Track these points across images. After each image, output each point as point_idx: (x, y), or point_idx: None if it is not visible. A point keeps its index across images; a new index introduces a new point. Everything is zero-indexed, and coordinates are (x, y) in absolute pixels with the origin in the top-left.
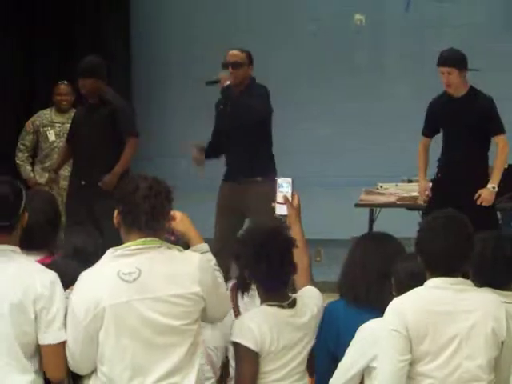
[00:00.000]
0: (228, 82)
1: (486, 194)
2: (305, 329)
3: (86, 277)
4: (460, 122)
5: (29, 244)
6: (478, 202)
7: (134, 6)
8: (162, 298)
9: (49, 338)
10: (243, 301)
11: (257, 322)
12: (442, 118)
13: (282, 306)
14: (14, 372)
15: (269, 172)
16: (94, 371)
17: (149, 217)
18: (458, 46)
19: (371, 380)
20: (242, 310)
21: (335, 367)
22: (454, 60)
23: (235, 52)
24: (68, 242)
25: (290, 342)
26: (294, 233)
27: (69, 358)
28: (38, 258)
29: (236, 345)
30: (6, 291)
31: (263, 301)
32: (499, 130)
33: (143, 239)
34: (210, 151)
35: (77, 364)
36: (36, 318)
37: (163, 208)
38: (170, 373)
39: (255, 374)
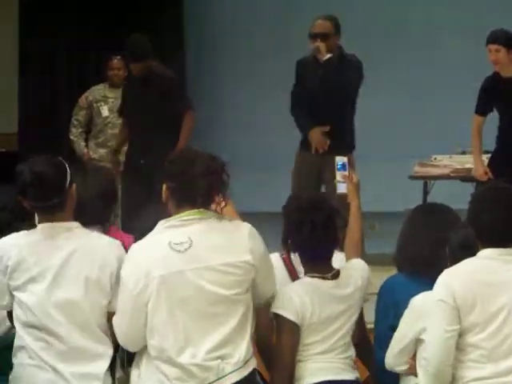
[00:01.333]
0: (329, 55)
1: None
2: (348, 300)
3: (138, 247)
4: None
5: (80, 218)
6: None
7: None
8: (213, 268)
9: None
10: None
11: (298, 293)
12: (494, 96)
13: (325, 278)
14: (91, 344)
15: (349, 146)
16: (146, 352)
17: (204, 193)
18: None
19: (421, 352)
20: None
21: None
22: (502, 38)
23: (322, 22)
24: (147, 220)
25: (333, 314)
26: (353, 209)
27: (116, 331)
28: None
29: (277, 316)
30: (80, 267)
31: (306, 272)
32: None
33: (194, 210)
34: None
35: (124, 337)
36: (111, 288)
37: (218, 186)
38: (222, 343)
39: (295, 345)
